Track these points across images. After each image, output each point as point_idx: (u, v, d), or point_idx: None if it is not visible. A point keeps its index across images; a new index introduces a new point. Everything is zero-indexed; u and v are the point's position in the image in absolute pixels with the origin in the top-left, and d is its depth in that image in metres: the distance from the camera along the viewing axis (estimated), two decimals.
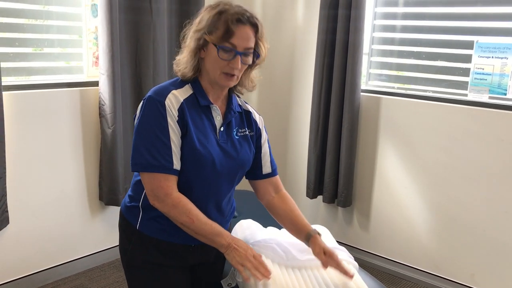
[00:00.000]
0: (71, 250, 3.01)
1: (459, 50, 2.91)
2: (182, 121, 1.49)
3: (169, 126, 1.47)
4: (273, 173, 1.73)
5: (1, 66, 2.42)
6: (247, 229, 1.77)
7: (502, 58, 2.72)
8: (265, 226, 1.85)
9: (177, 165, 1.48)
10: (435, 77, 3.03)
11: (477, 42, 2.80)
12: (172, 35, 3.12)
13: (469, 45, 2.84)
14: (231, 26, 1.46)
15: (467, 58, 2.85)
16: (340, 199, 3.31)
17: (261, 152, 1.70)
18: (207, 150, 1.51)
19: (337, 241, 1.83)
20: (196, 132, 1.51)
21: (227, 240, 1.49)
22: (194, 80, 1.56)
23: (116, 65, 2.81)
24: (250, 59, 1.54)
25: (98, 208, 3.09)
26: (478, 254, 2.89)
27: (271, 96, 3.73)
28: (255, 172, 1.71)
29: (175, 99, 1.49)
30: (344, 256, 1.67)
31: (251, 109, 1.70)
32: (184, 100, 1.51)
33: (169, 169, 1.47)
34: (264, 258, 1.54)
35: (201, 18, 1.52)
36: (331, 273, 1.58)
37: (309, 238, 1.61)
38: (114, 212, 3.10)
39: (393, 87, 3.20)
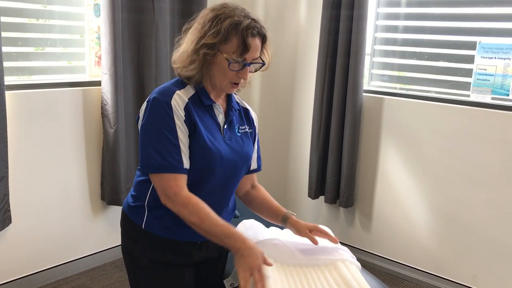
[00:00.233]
0: (73, 249, 3.01)
1: (461, 50, 2.91)
2: (189, 120, 1.49)
3: (176, 126, 1.47)
4: (258, 169, 1.78)
5: (4, 65, 2.42)
6: (249, 229, 1.77)
7: (505, 58, 2.71)
8: (267, 226, 1.85)
9: (186, 164, 1.49)
10: (438, 78, 3.03)
11: (479, 42, 2.79)
12: (175, 34, 3.11)
13: (471, 45, 2.84)
14: (247, 41, 1.46)
15: (470, 59, 2.85)
16: (342, 199, 3.31)
17: (254, 149, 1.74)
18: (216, 147, 1.53)
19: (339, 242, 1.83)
20: (204, 130, 1.52)
21: (238, 245, 1.46)
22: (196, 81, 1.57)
23: (118, 64, 2.81)
24: (256, 67, 1.57)
25: (100, 208, 3.09)
26: (479, 255, 2.89)
27: (274, 96, 3.73)
28: None
29: (180, 99, 1.50)
30: (346, 256, 1.67)
31: (248, 106, 1.74)
32: (188, 99, 1.52)
33: (179, 169, 1.47)
34: (266, 257, 1.54)
35: (209, 26, 1.48)
36: (333, 272, 1.58)
37: (286, 219, 1.69)
38: (116, 212, 3.10)
39: (396, 88, 3.20)
